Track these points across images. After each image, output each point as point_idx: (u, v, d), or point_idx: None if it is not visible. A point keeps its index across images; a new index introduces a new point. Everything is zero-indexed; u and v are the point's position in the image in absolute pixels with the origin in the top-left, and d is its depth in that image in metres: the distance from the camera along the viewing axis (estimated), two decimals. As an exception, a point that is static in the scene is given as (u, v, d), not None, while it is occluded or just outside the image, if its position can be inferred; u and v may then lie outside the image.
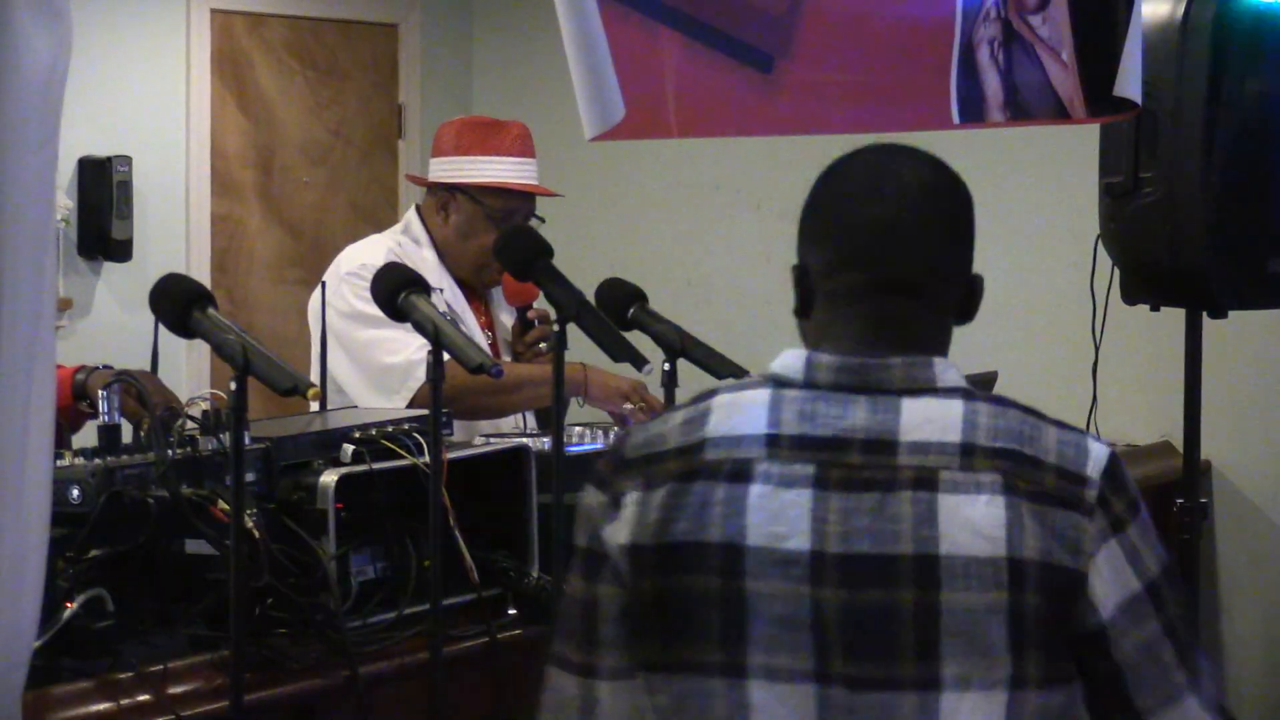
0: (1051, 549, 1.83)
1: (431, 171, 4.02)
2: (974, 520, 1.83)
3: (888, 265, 1.94)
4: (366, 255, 3.87)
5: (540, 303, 3.89)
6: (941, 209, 1.99)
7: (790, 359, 1.93)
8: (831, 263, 1.95)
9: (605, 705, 1.92)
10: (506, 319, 4.08)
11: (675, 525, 1.86)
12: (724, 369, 3.11)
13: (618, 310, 3.16)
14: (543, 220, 3.93)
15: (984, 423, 1.88)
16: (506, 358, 4.00)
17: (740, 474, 1.86)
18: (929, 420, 1.87)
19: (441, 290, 3.86)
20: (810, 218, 2.00)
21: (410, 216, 4.05)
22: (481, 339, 3.93)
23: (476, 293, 4.05)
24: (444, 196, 3.97)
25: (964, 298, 2.01)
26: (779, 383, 1.92)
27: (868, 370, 1.90)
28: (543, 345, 3.94)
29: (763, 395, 1.91)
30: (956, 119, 3.09)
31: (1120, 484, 1.89)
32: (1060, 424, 1.91)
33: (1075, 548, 1.85)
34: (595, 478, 1.94)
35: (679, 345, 3.12)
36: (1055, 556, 1.83)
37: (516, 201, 3.95)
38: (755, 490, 1.85)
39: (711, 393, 1.94)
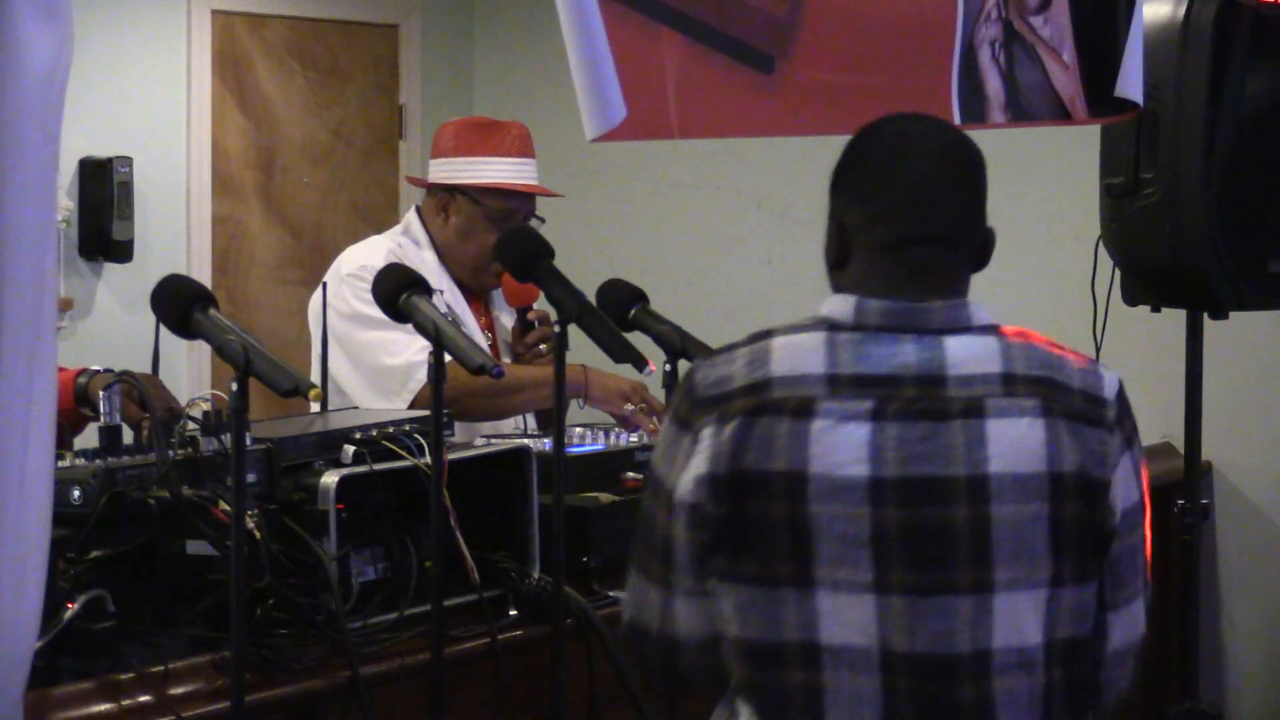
0: (1085, 462, 2.09)
1: (431, 173, 4.02)
2: (1018, 440, 2.07)
3: (922, 219, 2.17)
4: (367, 256, 3.86)
5: (540, 304, 3.89)
6: (966, 169, 2.24)
7: (840, 304, 2.14)
8: (870, 217, 2.17)
9: (681, 615, 2.15)
10: (506, 320, 4.08)
11: (745, 456, 2.07)
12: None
13: (619, 311, 3.15)
14: (543, 220, 3.93)
15: (1018, 354, 2.13)
16: (507, 359, 3.99)
17: (803, 410, 2.07)
18: (971, 355, 2.11)
19: (441, 292, 3.85)
20: (846, 178, 2.21)
21: (410, 218, 4.05)
22: (482, 340, 3.93)
23: (476, 294, 4.05)
24: (444, 198, 3.97)
25: (981, 248, 2.23)
26: (831, 325, 2.13)
27: (913, 313, 2.13)
28: (543, 346, 3.94)
29: (818, 338, 2.12)
30: (958, 119, 3.09)
31: (1128, 406, 2.18)
32: (1074, 353, 2.18)
33: (1103, 460, 2.11)
34: (677, 419, 2.14)
35: (680, 346, 3.11)
36: (1088, 469, 2.09)
37: (516, 202, 3.94)
38: (816, 425, 2.06)
39: (768, 333, 2.15)
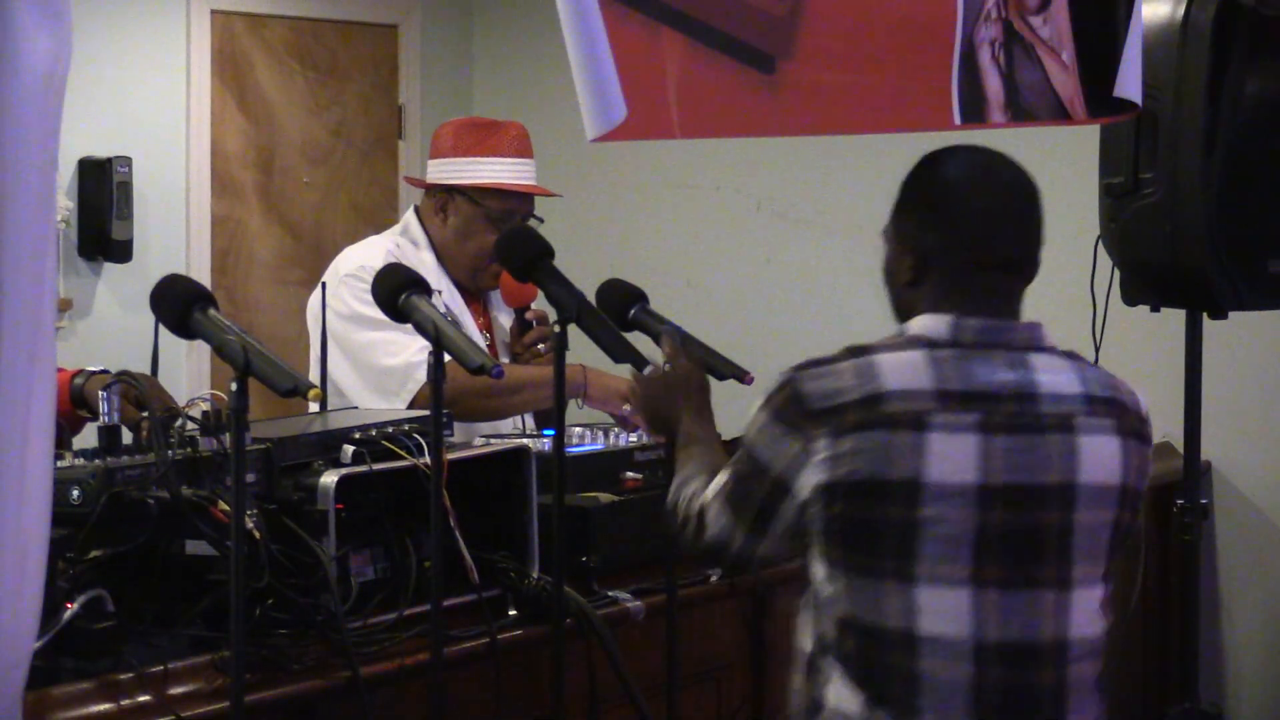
0: (1138, 475, 2.43)
1: (429, 173, 4.01)
2: (1102, 456, 2.38)
3: (1000, 246, 2.44)
4: (365, 257, 3.86)
5: (539, 303, 3.89)
6: (1034, 201, 2.52)
7: (933, 322, 2.38)
8: (948, 242, 2.42)
9: (761, 552, 2.44)
10: (505, 320, 4.08)
11: (862, 467, 2.31)
12: (726, 370, 3.11)
13: (618, 311, 3.15)
14: (541, 220, 3.92)
15: (1090, 376, 2.43)
16: (505, 359, 3.99)
17: (917, 423, 2.31)
18: (1055, 375, 2.39)
19: (440, 292, 3.85)
20: (923, 202, 2.45)
21: (409, 218, 4.05)
22: (480, 340, 3.93)
23: (474, 295, 4.04)
24: (442, 198, 3.97)
25: (1034, 272, 2.51)
26: (929, 343, 2.37)
27: (1001, 331, 2.40)
28: (541, 346, 3.94)
29: (922, 355, 2.36)
30: (957, 120, 3.09)
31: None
32: (1111, 375, 2.49)
33: (1144, 474, 2.46)
34: (784, 421, 2.36)
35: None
36: (1137, 481, 2.44)
37: (515, 202, 3.94)
38: (930, 436, 2.30)
39: (866, 349, 2.37)
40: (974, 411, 2.32)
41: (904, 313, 2.47)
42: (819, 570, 2.37)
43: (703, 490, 2.55)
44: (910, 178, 2.47)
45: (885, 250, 2.49)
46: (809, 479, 2.33)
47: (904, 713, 2.32)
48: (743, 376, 3.08)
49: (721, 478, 2.49)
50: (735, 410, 2.77)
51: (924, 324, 2.39)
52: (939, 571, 2.31)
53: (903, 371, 2.33)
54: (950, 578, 2.31)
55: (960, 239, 2.41)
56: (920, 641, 2.31)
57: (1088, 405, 2.39)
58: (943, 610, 2.31)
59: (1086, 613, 2.39)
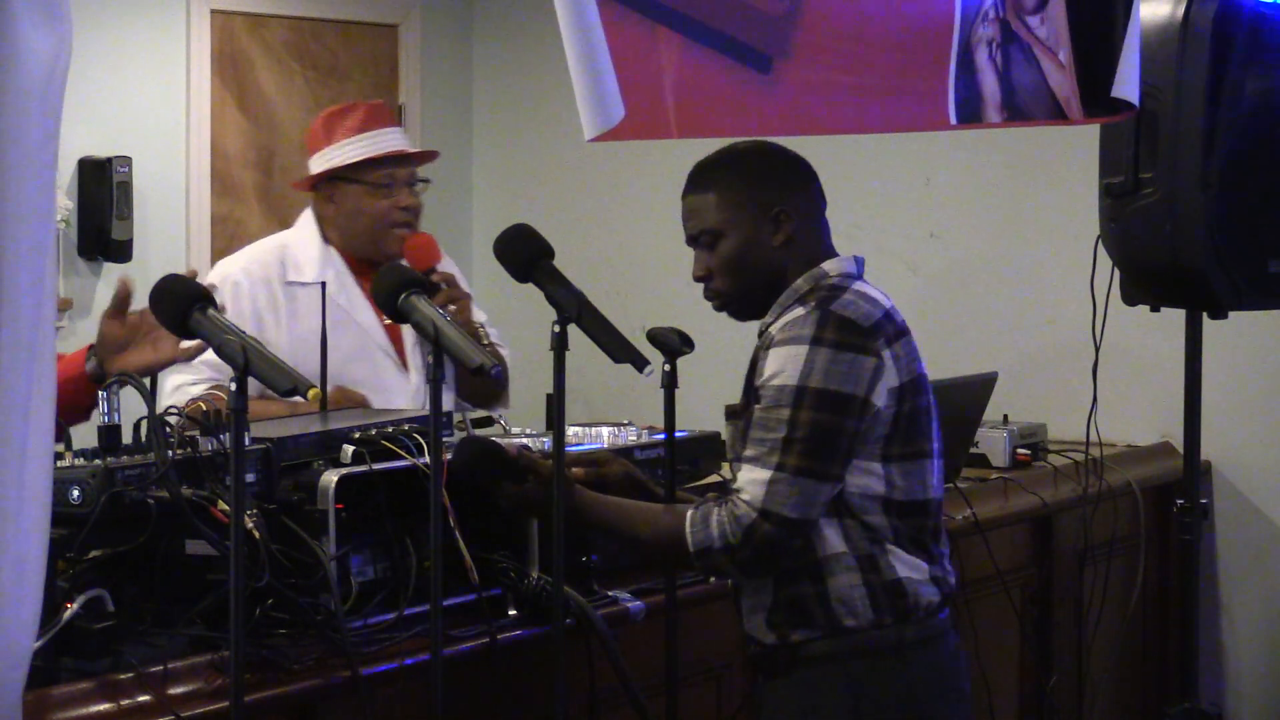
0: None
1: (310, 169, 4.12)
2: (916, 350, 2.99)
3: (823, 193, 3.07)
4: (228, 266, 4.07)
5: (444, 266, 4.01)
6: None
7: (843, 264, 2.94)
8: (809, 198, 3.02)
9: (824, 503, 2.81)
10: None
11: (907, 367, 2.86)
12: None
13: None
14: (427, 182, 4.12)
15: None
16: (409, 338, 4.06)
17: (908, 331, 2.91)
18: None
19: (324, 283, 3.84)
20: (777, 176, 3.00)
21: (304, 215, 4.19)
22: (371, 322, 4.03)
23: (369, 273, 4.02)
24: (327, 189, 4.11)
25: None
26: (859, 278, 2.94)
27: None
28: (452, 307, 3.93)
29: (869, 286, 2.92)
30: (954, 119, 3.09)
31: None
32: None
33: None
34: (850, 346, 2.79)
35: (678, 345, 3.11)
36: None
37: (392, 167, 4.07)
38: (913, 341, 2.93)
39: (839, 289, 2.88)
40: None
41: (773, 274, 2.92)
42: (864, 478, 2.82)
43: (724, 506, 2.77)
44: (732, 160, 2.98)
45: (733, 234, 2.94)
46: (884, 386, 2.81)
47: (937, 559, 2.92)
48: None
49: (768, 464, 2.77)
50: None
51: (838, 265, 2.93)
52: (933, 447, 2.92)
53: (880, 296, 2.90)
54: (933, 451, 2.92)
55: (816, 193, 2.99)
56: (933, 503, 2.92)
57: None
58: (935, 477, 2.92)
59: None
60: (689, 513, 2.81)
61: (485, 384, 4.04)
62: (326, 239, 4.10)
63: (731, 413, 3.01)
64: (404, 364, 4.08)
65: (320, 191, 4.14)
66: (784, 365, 2.80)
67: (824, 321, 2.79)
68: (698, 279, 3.02)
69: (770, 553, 2.78)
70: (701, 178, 3.02)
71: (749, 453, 2.80)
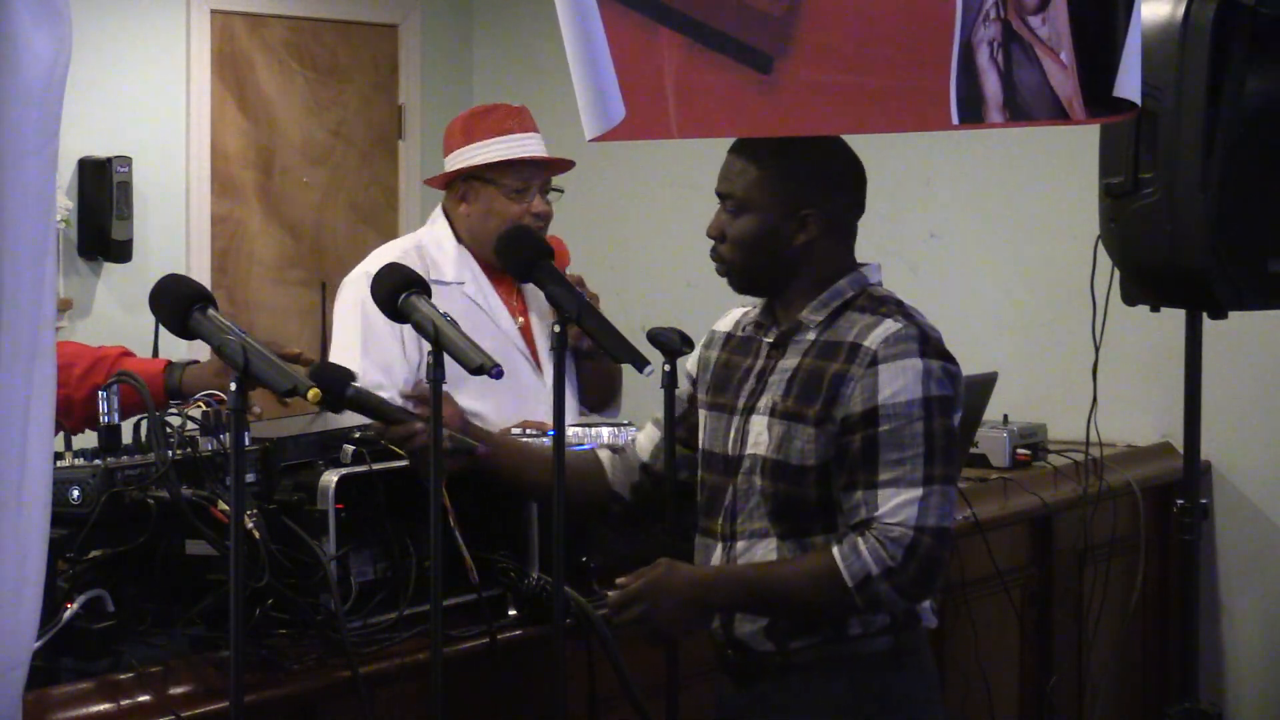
0: None
1: (447, 168, 4.08)
2: None
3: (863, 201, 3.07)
4: (372, 262, 3.92)
5: (571, 269, 3.93)
6: None
7: (872, 274, 2.96)
8: (851, 202, 3.02)
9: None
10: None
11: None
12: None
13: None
14: (561, 191, 4.04)
15: None
16: (542, 340, 4.04)
17: None
18: None
19: (463, 283, 3.93)
20: (822, 173, 2.97)
21: (435, 215, 4.14)
22: (510, 325, 3.99)
23: (505, 278, 4.05)
24: (462, 188, 4.05)
25: None
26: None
27: None
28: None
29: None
30: (955, 119, 3.08)
31: None
32: None
33: None
34: (946, 355, 2.83)
35: (678, 345, 3.11)
36: None
37: (529, 172, 4.01)
38: None
39: (893, 295, 2.92)
40: None
41: (783, 268, 2.91)
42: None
43: (866, 535, 2.75)
44: (791, 147, 2.89)
45: (756, 214, 2.89)
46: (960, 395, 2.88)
47: None
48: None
49: (914, 482, 2.76)
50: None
51: (875, 274, 2.96)
52: None
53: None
54: None
55: (857, 203, 2.98)
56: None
57: None
58: None
59: None
60: (834, 549, 2.75)
61: (607, 388, 4.06)
62: (459, 238, 4.05)
63: (789, 413, 2.87)
64: (538, 365, 4.06)
65: (455, 190, 4.08)
66: (904, 380, 2.79)
67: (925, 337, 2.82)
68: (710, 236, 2.96)
69: (933, 569, 2.75)
70: (757, 146, 2.92)
71: (886, 476, 2.76)
